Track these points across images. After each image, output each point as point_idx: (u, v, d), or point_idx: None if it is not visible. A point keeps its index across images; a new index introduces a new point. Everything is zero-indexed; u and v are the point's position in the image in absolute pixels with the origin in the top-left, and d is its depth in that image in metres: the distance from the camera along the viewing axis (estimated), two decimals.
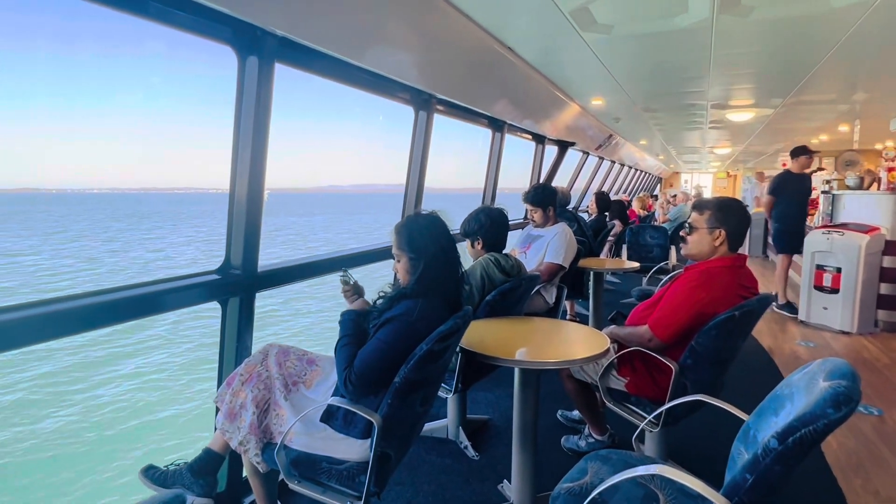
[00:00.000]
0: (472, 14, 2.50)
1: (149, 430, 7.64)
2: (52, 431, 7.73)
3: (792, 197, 4.97)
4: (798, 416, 0.97)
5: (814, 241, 4.61)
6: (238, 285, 1.91)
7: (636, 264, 4.31)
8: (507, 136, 4.49)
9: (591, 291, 4.22)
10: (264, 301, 12.71)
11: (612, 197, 7.33)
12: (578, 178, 7.99)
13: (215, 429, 1.65)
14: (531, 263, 3.12)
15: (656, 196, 12.65)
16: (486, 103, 3.72)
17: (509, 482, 2.01)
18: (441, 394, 2.06)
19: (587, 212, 6.46)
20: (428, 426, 2.50)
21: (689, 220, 2.05)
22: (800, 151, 4.98)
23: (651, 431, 2.03)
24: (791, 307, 4.94)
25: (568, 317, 4.62)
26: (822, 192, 5.78)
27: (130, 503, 1.64)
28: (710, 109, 5.30)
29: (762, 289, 2.02)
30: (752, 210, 9.17)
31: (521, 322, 2.25)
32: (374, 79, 2.56)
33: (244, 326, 1.94)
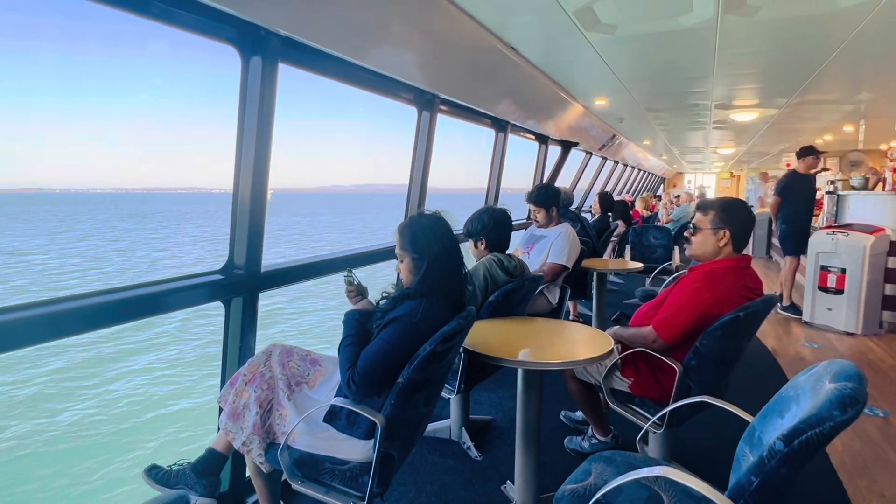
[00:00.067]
0: (475, 14, 2.50)
1: (164, 422, 7.84)
2: (71, 424, 7.97)
3: (799, 198, 4.92)
4: (804, 418, 0.97)
5: (818, 241, 4.59)
6: (241, 285, 1.91)
7: (639, 265, 4.30)
8: (511, 137, 4.49)
9: (594, 292, 4.21)
10: (271, 299, 12.88)
11: (616, 197, 7.32)
12: (582, 178, 7.98)
13: (218, 429, 1.65)
14: (534, 264, 3.11)
15: (659, 196, 12.62)
16: (490, 103, 3.71)
17: (512, 483, 2.00)
18: (444, 394, 2.05)
19: (590, 212, 6.46)
20: (431, 426, 2.50)
21: (693, 221, 2.04)
22: (807, 152, 4.93)
23: (655, 433, 2.02)
24: (795, 308, 4.91)
25: (571, 317, 4.62)
26: (827, 193, 5.75)
27: (141, 499, 1.66)
28: (713, 109, 5.28)
29: (766, 290, 2.01)
30: (756, 210, 9.15)
31: (524, 322, 2.25)
32: (377, 79, 2.56)
33: (247, 326, 1.94)
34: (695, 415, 1.88)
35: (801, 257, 5.00)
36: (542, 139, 5.39)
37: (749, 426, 1.28)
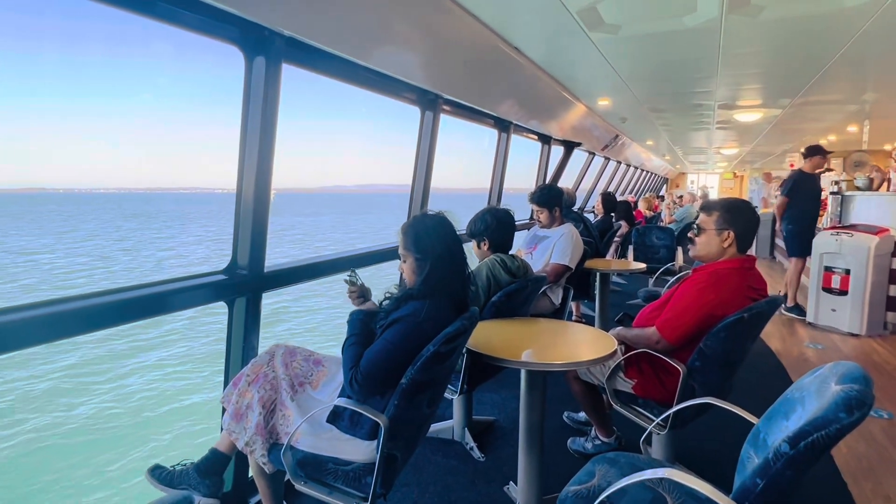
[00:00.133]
0: (479, 14, 2.49)
1: (177, 415, 8.03)
2: (88, 417, 8.18)
3: (806, 198, 4.87)
4: (810, 420, 0.96)
5: (822, 242, 4.57)
6: (245, 285, 1.91)
7: (642, 265, 4.29)
8: (513, 137, 4.48)
9: (597, 292, 4.21)
10: (276, 297, 12.99)
11: (618, 197, 7.31)
12: (584, 178, 7.97)
13: (221, 429, 1.66)
14: (537, 264, 3.11)
15: (662, 197, 12.60)
16: (493, 103, 3.71)
17: (515, 484, 2.00)
18: (447, 395, 2.05)
19: (593, 212, 6.44)
20: (433, 427, 2.50)
21: (697, 222, 2.03)
22: (814, 151, 4.88)
23: (658, 434, 2.02)
24: (799, 309, 4.89)
25: (574, 318, 4.61)
26: (832, 193, 5.73)
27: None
28: (717, 110, 5.27)
29: (770, 290, 2.00)
30: (759, 211, 9.11)
31: (527, 323, 2.24)
32: (380, 79, 2.56)
33: (251, 326, 1.94)
34: (698, 416, 1.87)
35: (808, 258, 4.98)
36: (545, 139, 5.38)
37: (754, 428, 1.28)
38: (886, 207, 4.77)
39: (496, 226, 2.52)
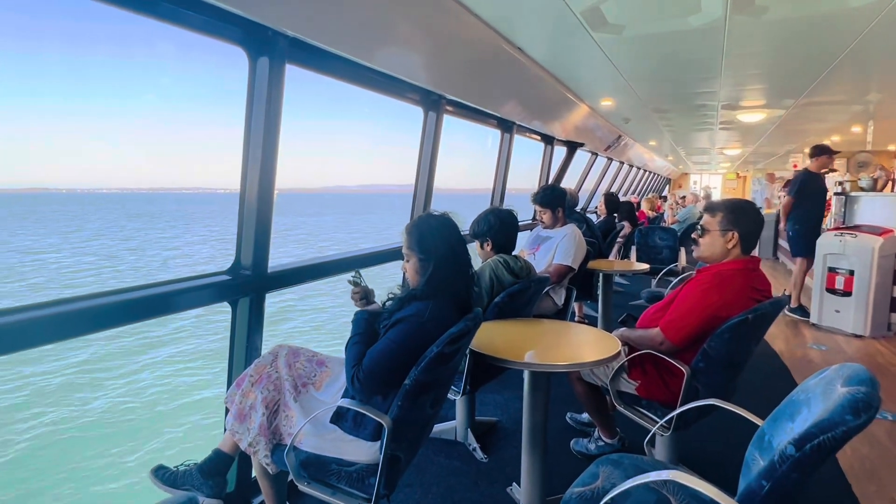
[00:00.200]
0: (482, 14, 2.49)
1: (190, 410, 8.22)
2: (104, 411, 8.43)
3: (811, 198, 4.84)
4: (816, 422, 0.95)
5: (826, 243, 4.55)
6: (248, 286, 1.91)
7: (645, 266, 4.28)
8: (516, 137, 4.48)
9: (600, 293, 4.20)
10: (281, 296, 13.18)
11: (621, 198, 7.29)
12: (587, 179, 7.95)
13: (225, 430, 1.66)
14: (540, 265, 3.11)
15: (665, 197, 12.57)
16: (496, 104, 3.71)
17: (518, 485, 2.00)
18: (450, 395, 2.05)
19: (596, 213, 6.43)
20: (436, 428, 2.49)
21: (701, 223, 2.03)
22: (821, 151, 4.84)
23: (662, 435, 2.01)
24: (803, 310, 4.87)
25: (576, 318, 4.60)
26: (836, 194, 5.71)
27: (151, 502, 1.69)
28: (720, 110, 5.25)
29: (774, 291, 1.99)
30: (763, 212, 9.08)
31: (530, 324, 2.24)
32: (384, 80, 2.56)
33: (254, 327, 1.95)
34: (702, 418, 1.86)
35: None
36: (548, 140, 5.38)
37: (759, 430, 1.27)
38: (891, 208, 4.75)
39: (499, 226, 2.52)
